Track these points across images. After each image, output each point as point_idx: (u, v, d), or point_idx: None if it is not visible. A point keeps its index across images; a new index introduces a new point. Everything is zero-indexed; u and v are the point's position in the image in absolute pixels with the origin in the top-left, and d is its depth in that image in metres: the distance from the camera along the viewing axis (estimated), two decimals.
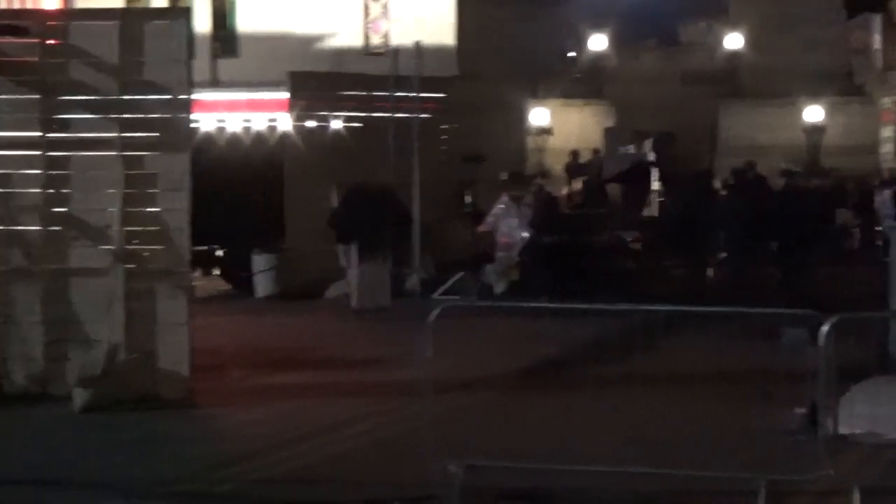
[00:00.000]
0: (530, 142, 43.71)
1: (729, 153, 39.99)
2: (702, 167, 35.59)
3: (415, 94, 24.73)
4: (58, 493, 9.96)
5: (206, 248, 24.55)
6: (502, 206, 24.98)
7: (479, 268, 24.25)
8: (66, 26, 14.09)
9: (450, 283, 23.14)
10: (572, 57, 50.60)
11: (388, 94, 25.32)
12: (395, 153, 24.62)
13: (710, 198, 24.63)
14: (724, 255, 23.18)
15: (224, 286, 26.18)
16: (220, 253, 26.10)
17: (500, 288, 23.82)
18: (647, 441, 10.92)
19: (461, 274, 23.45)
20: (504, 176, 26.69)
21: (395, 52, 25.95)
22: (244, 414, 12.91)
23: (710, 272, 23.61)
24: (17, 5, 35.96)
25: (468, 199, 29.15)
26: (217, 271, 26.77)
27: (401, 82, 25.15)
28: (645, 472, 9.82)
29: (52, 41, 13.92)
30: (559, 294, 19.15)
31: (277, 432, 12.00)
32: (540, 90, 44.14)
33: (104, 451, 11.33)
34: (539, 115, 43.99)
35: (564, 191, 31.85)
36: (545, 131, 44.28)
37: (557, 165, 40.89)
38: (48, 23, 14.21)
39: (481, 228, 25.56)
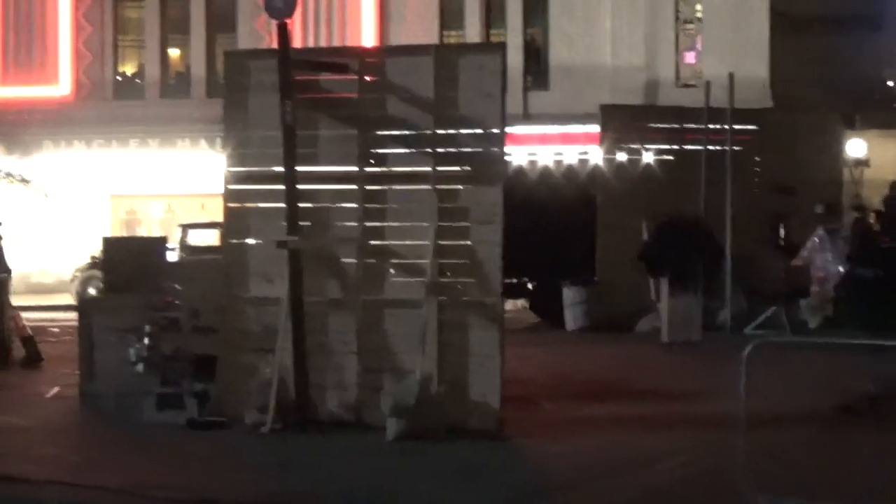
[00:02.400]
0: (846, 173, 42.60)
1: None
2: None
3: (727, 126, 24.42)
4: None
5: (516, 280, 24.77)
6: (817, 239, 24.43)
7: (792, 302, 23.72)
8: (383, 63, 14.41)
9: (762, 317, 22.71)
10: (892, 85, 49.08)
11: (700, 125, 25.08)
12: (707, 185, 24.35)
13: None
14: None
15: (534, 318, 26.35)
16: (530, 285, 26.29)
17: (814, 323, 23.28)
18: None
19: (774, 308, 22.98)
20: (819, 208, 26.05)
21: (708, 84, 25.67)
22: (556, 445, 12.89)
23: None
24: (336, 43, 37.11)
25: (782, 231, 28.56)
26: (527, 303, 26.97)
27: (713, 114, 24.88)
28: None
29: (369, 77, 14.26)
30: (877, 329, 18.55)
31: (590, 464, 11.95)
32: (857, 120, 42.99)
33: (418, 479, 11.48)
34: (855, 146, 42.83)
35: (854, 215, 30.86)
36: (862, 163, 43.09)
37: (875, 198, 39.70)
38: (366, 60, 14.55)
39: (795, 262, 25.01)
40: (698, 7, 38.37)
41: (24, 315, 21.31)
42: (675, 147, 25.77)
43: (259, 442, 13.23)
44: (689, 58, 37.99)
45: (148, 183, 38.88)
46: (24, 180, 21.88)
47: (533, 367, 17.94)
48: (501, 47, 14.75)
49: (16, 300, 21.04)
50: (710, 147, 24.81)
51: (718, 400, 13.95)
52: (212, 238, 29.18)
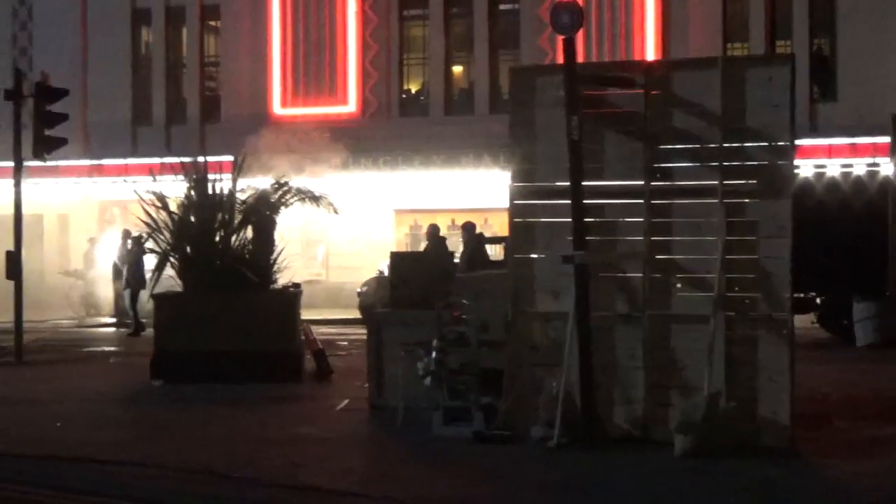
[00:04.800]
0: None
1: None
2: None
3: None
4: None
5: (804, 294, 24.27)
6: None
7: None
8: (669, 76, 14.30)
9: None
10: None
11: None
12: None
13: None
14: None
15: (823, 334, 25.78)
16: (818, 300, 25.75)
17: None
18: None
19: None
20: None
21: None
22: (851, 466, 12.50)
23: None
24: (619, 57, 37.03)
25: None
26: (815, 318, 26.41)
27: None
28: None
29: (655, 91, 14.16)
30: None
31: (889, 487, 11.57)
32: None
33: (707, 497, 11.34)
34: None
35: None
36: None
37: None
38: (652, 73, 14.46)
39: None
40: None
41: (314, 328, 21.88)
42: None
43: (545, 457, 13.24)
44: None
45: (431, 198, 39.40)
46: (314, 197, 22.38)
47: (823, 384, 17.53)
48: (790, 58, 14.44)
49: (306, 314, 21.59)
50: None
51: None
52: (496, 252, 29.42)
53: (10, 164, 24.52)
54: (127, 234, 31.24)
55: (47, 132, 24.70)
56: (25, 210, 24.87)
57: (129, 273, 30.77)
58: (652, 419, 13.88)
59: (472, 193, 38.21)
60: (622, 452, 13.29)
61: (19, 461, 13.52)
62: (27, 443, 14.41)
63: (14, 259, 24.44)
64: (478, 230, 28.66)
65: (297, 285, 21.57)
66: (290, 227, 26.48)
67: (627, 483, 11.96)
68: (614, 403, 14.06)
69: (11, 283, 24.44)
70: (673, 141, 14.17)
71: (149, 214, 21.01)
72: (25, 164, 25.10)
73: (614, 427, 14.02)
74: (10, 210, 24.40)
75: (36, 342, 26.89)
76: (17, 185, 24.34)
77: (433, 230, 27.65)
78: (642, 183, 14.16)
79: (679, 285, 14.04)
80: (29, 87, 25.94)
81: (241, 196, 21.21)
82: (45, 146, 24.71)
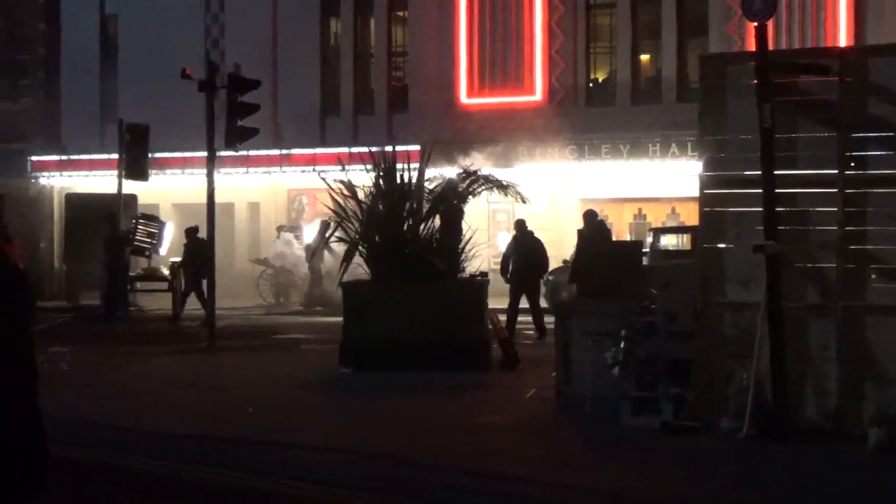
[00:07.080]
0: None
1: None
2: None
3: None
4: None
5: None
6: None
7: None
8: (865, 63, 13.99)
9: None
10: None
11: None
12: None
13: None
14: None
15: None
16: None
17: None
18: None
19: None
20: None
21: None
22: None
23: None
24: (809, 44, 36.40)
25: None
26: None
27: None
28: None
29: (850, 78, 13.87)
30: None
31: None
32: None
33: None
34: None
35: None
36: None
37: None
38: (847, 60, 14.17)
39: None
40: None
41: (501, 317, 21.94)
42: None
43: (734, 448, 13.10)
44: None
45: (617, 187, 39.16)
46: (501, 186, 22.43)
47: None
48: None
49: (493, 303, 21.66)
50: None
51: None
52: (684, 242, 29.17)
53: (204, 154, 25.03)
54: (325, 224, 31.51)
55: (239, 122, 25.15)
56: (217, 199, 25.36)
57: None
58: (845, 412, 13.60)
59: (659, 183, 37.89)
60: (813, 445, 13.07)
61: (212, 444, 13.83)
62: (220, 426, 14.73)
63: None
64: (664, 220, 28.22)
65: (484, 274, 21.66)
66: (477, 215, 26.56)
67: (818, 475, 11.77)
68: (806, 395, 13.82)
69: None
70: (868, 129, 13.87)
71: (337, 203, 21.25)
72: (218, 153, 25.63)
73: (805, 419, 13.78)
74: (203, 199, 24.90)
75: (227, 329, 27.43)
76: (210, 174, 24.82)
77: (590, 214, 26.92)
78: (836, 172, 13.87)
79: (874, 276, 13.75)
80: (221, 79, 26.48)
81: (428, 185, 21.31)
82: (237, 136, 25.16)
